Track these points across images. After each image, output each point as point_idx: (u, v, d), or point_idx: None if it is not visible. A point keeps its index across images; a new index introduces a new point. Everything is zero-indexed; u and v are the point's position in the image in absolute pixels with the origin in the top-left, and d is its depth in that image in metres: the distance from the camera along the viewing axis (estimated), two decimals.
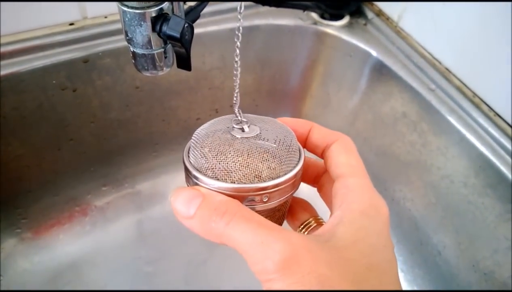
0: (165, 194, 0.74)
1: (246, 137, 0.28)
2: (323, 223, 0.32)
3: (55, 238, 0.67)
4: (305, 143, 0.31)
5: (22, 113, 0.57)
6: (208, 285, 0.65)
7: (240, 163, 0.26)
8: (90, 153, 0.67)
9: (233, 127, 0.29)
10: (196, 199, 0.24)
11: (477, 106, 0.57)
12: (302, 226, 0.32)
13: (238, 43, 0.28)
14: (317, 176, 0.33)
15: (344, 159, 0.28)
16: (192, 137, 0.29)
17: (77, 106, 0.60)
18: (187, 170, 0.28)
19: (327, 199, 0.31)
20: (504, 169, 0.52)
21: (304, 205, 0.33)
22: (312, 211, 0.33)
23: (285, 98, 0.75)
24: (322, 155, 0.31)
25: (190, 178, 0.27)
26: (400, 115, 0.63)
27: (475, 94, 0.57)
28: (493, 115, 0.55)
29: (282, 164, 0.27)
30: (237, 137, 0.28)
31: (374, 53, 0.65)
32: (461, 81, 0.59)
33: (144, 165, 0.73)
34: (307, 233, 0.31)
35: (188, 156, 0.28)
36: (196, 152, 0.28)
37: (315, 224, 0.31)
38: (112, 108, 0.64)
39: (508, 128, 0.54)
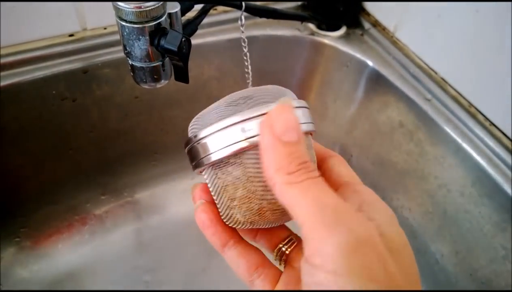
0: (164, 203, 0.74)
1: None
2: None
3: (54, 247, 0.67)
4: None
5: (22, 123, 0.57)
6: None
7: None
8: (89, 162, 0.67)
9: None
10: (296, 132, 0.22)
11: (473, 116, 0.57)
12: (284, 244, 0.31)
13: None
14: None
15: (346, 171, 0.28)
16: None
17: (76, 116, 0.61)
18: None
19: None
20: (500, 179, 0.52)
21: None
22: (286, 228, 0.32)
23: None
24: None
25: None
26: (396, 124, 0.64)
27: (471, 104, 0.58)
28: (488, 125, 0.56)
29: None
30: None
31: (370, 63, 0.65)
32: (457, 91, 0.59)
33: (143, 174, 0.73)
34: (291, 250, 0.30)
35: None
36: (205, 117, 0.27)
37: (296, 241, 0.31)
38: (111, 118, 0.64)
39: (503, 138, 0.54)
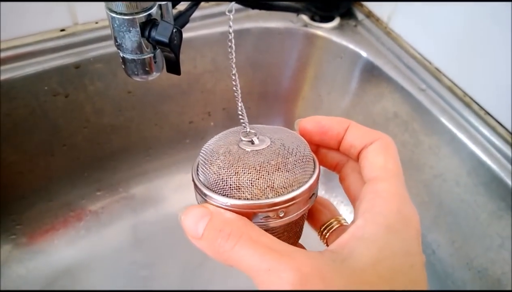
0: (159, 198, 0.74)
1: (256, 150, 0.27)
2: (345, 224, 0.30)
3: (50, 244, 0.67)
4: (340, 143, 0.29)
5: (15, 119, 0.57)
6: (204, 289, 0.65)
7: (250, 178, 0.25)
8: (84, 158, 0.67)
9: (241, 139, 0.28)
10: (204, 217, 0.23)
11: (467, 106, 0.57)
12: (323, 228, 0.30)
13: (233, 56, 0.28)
14: (338, 164, 0.31)
15: (381, 161, 0.26)
16: (200, 154, 0.28)
17: (69, 112, 0.60)
18: (196, 187, 0.27)
19: (349, 192, 0.29)
20: (495, 167, 0.52)
21: (325, 204, 0.32)
22: (333, 211, 0.31)
23: (277, 101, 0.75)
24: (358, 156, 0.28)
25: (199, 195, 0.27)
26: (391, 115, 0.64)
27: (465, 94, 0.57)
28: (483, 114, 0.56)
29: (296, 175, 0.26)
30: (247, 151, 0.27)
31: (364, 54, 0.65)
32: (452, 81, 0.59)
33: (138, 169, 0.73)
34: (329, 235, 0.30)
35: (198, 173, 0.28)
36: (205, 168, 0.27)
37: (337, 225, 0.30)
38: (104, 113, 0.64)
39: (498, 127, 0.54)
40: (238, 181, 0.25)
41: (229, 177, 0.25)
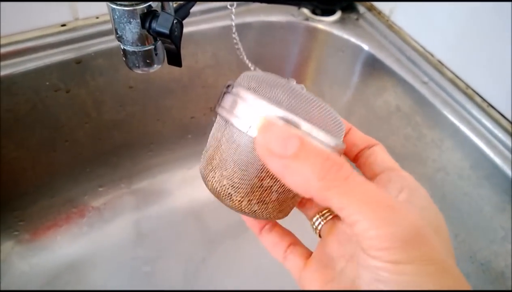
0: (161, 194, 0.74)
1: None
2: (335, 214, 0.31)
3: (53, 240, 0.67)
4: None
5: (16, 115, 0.57)
6: (207, 284, 0.65)
7: (331, 119, 0.26)
8: (86, 154, 0.67)
9: (291, 82, 0.28)
10: (295, 139, 0.21)
11: (470, 98, 0.57)
12: (320, 215, 0.31)
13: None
14: None
15: (389, 158, 0.30)
16: (253, 79, 0.27)
17: (71, 107, 0.60)
18: (258, 109, 0.25)
19: None
20: (498, 160, 0.52)
21: None
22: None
23: None
24: (356, 155, 0.31)
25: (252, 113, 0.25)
26: (394, 109, 0.63)
27: (468, 86, 0.57)
28: (486, 107, 0.55)
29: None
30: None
31: (366, 47, 0.65)
32: (454, 74, 0.59)
33: (140, 165, 0.73)
34: (325, 223, 0.30)
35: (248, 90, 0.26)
36: (277, 90, 0.26)
37: (330, 216, 0.31)
38: (106, 108, 0.64)
39: (502, 119, 0.54)
40: (324, 116, 0.26)
41: (316, 107, 0.26)
